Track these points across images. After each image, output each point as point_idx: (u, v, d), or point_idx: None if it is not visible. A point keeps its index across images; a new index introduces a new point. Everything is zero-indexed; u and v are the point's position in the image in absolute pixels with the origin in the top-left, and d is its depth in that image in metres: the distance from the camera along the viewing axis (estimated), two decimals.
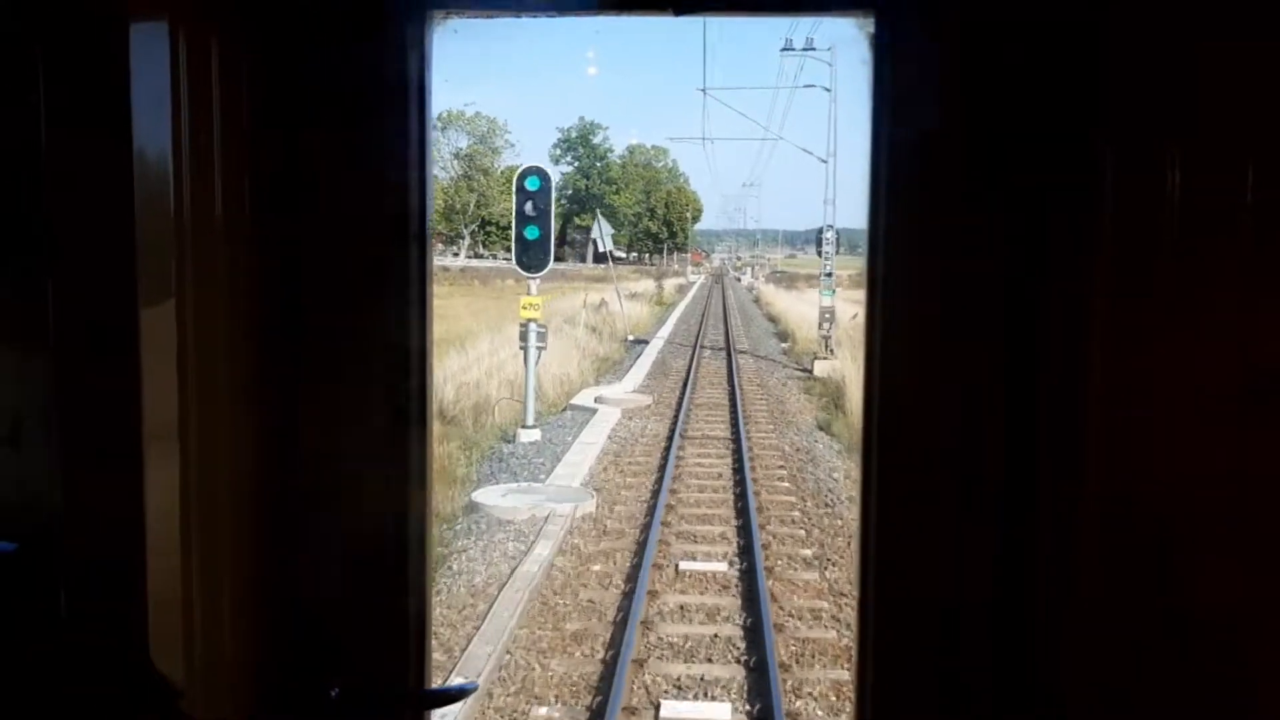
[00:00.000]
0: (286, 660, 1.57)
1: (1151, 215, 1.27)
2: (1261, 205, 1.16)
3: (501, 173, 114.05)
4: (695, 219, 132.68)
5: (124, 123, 1.19)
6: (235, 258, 1.44)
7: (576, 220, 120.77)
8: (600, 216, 25.42)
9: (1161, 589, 1.27)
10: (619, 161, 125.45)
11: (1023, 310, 1.46)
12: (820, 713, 6.82)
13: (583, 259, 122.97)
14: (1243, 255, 1.19)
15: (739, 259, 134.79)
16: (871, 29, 1.51)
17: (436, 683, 1.93)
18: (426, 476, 1.59)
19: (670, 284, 75.42)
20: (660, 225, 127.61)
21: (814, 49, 28.15)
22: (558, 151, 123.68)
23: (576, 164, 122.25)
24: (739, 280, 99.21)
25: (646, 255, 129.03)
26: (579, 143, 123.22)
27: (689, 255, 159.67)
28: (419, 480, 1.58)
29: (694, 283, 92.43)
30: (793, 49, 28.76)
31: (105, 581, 1.24)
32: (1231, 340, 1.21)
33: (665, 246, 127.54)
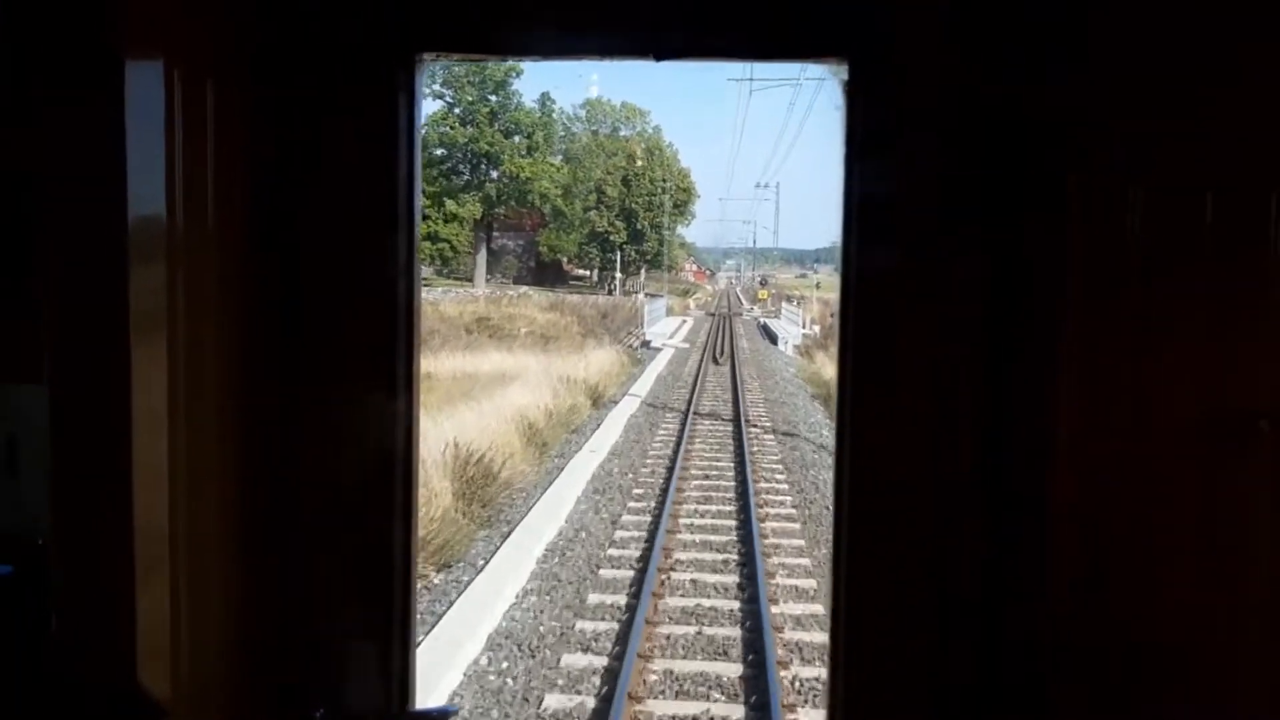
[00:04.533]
0: (272, 683, 1.60)
1: (1119, 252, 1.36)
2: (1224, 243, 1.28)
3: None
4: (682, 208, 73.88)
5: (119, 162, 1.23)
6: (227, 294, 1.49)
7: (449, 206, 62.18)
8: None
9: (1127, 601, 1.37)
10: (535, 106, 66.49)
11: (994, 346, 1.51)
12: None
13: (470, 277, 65.29)
14: (1207, 293, 1.30)
15: (760, 282, 75.85)
16: (845, 75, 1.57)
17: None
18: (412, 503, 1.65)
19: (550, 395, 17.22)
20: (613, 220, 68.69)
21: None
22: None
23: (453, 99, 63.86)
24: (773, 339, 40.57)
25: (612, 274, 70.37)
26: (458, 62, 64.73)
27: (688, 272, 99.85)
28: (404, 506, 1.63)
29: (657, 354, 34.64)
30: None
31: (93, 604, 1.29)
32: (1196, 373, 1.31)
33: (624, 258, 68.31)
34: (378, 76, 1.56)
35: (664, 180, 68.73)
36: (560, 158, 71.90)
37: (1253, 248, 1.28)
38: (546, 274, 74.61)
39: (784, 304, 55.77)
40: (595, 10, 1.61)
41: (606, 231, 67.85)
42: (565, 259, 75.89)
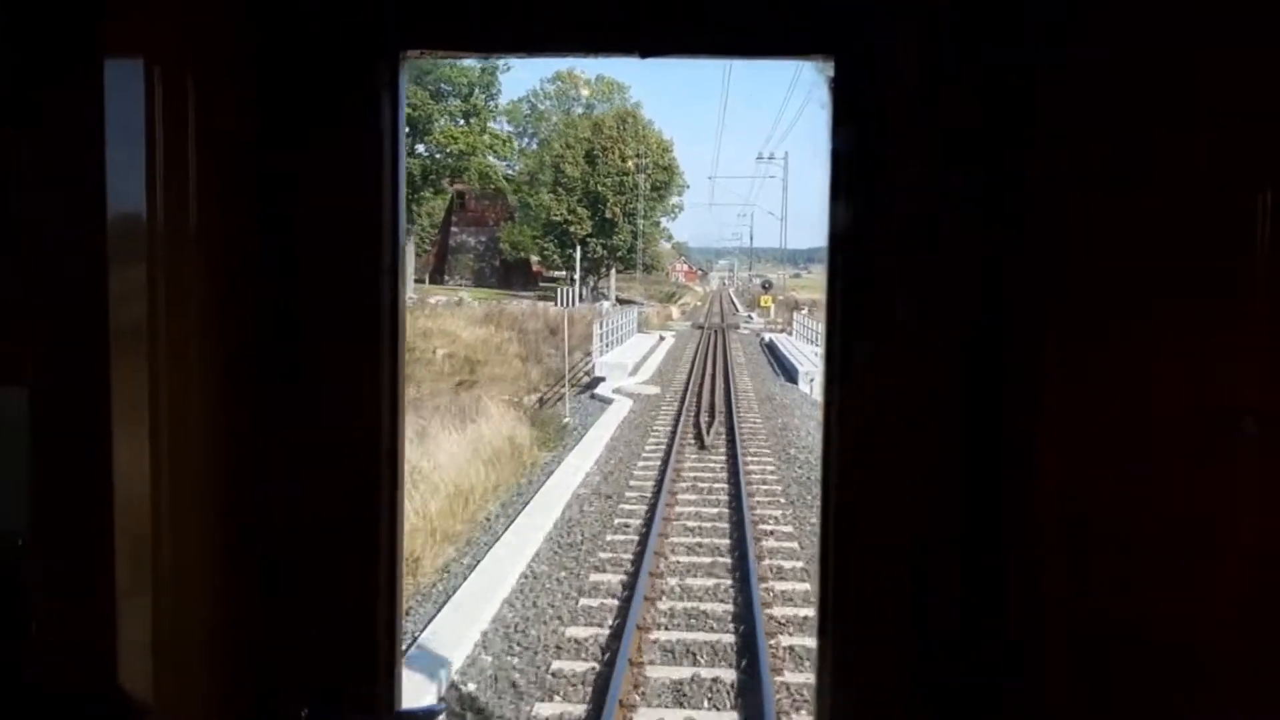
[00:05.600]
0: (257, 684, 1.60)
1: (1110, 250, 1.37)
2: (1214, 242, 1.29)
3: None
4: (663, 189, 59.90)
5: (98, 161, 1.22)
6: (212, 295, 1.49)
7: None
8: None
9: (1119, 600, 1.38)
10: (475, 63, 52.66)
11: (982, 348, 1.54)
12: None
13: (422, 279, 51.48)
14: (1197, 291, 1.31)
15: (762, 286, 62.17)
16: (831, 73, 1.58)
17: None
18: (398, 506, 1.66)
19: None
20: (574, 207, 54.85)
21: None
22: None
23: None
24: (789, 371, 27.10)
25: (591, 277, 56.39)
26: None
27: (678, 273, 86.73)
28: (389, 508, 1.64)
29: (601, 414, 21.03)
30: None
31: (74, 605, 1.28)
32: (1186, 370, 1.32)
33: (587, 254, 54.31)
34: (360, 74, 1.56)
35: (639, 156, 55.10)
36: (532, 143, 58.58)
37: (1243, 246, 1.26)
38: (513, 276, 61.48)
39: (794, 312, 42.32)
40: (579, 7, 1.62)
41: (565, 221, 54.20)
42: (535, 259, 62.54)
